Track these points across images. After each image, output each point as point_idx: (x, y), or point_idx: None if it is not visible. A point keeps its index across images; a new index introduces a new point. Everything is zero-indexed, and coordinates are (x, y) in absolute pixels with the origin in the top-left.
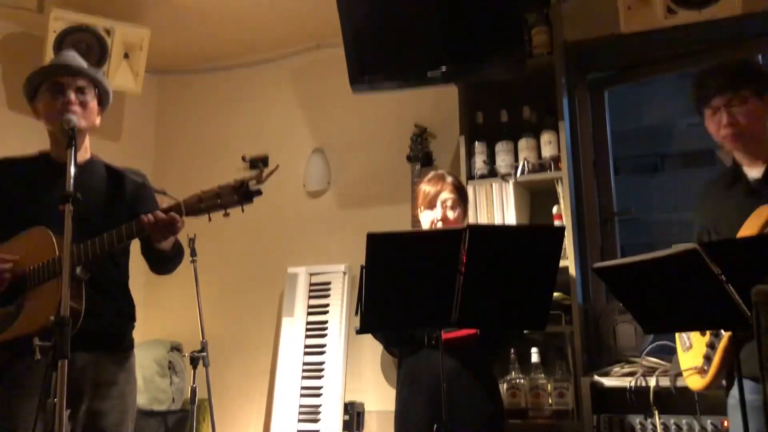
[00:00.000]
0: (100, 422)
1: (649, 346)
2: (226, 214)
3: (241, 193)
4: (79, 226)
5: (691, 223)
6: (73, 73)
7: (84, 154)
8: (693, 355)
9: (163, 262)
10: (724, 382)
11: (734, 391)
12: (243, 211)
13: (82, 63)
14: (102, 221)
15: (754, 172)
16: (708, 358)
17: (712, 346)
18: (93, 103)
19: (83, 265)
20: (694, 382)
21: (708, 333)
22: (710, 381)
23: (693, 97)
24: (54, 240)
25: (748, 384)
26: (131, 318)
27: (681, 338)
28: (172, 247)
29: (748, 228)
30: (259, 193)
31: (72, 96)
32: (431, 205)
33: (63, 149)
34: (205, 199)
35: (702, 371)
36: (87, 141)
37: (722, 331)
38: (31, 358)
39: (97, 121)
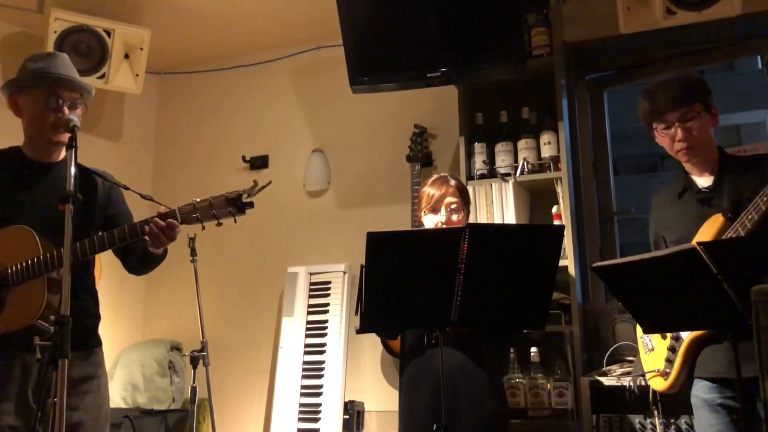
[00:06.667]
0: (76, 417)
1: (611, 348)
2: (219, 224)
3: (235, 205)
4: (51, 223)
5: (647, 230)
6: (71, 87)
7: (60, 153)
8: (655, 357)
9: (149, 263)
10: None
11: (695, 391)
12: (235, 221)
13: (75, 71)
14: (77, 221)
15: (703, 181)
16: (670, 361)
17: (673, 350)
18: (80, 115)
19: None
20: (657, 384)
21: (668, 336)
22: (672, 382)
23: (644, 112)
24: (38, 240)
25: (704, 384)
26: (98, 317)
27: (643, 340)
28: (163, 251)
29: (703, 235)
30: (251, 205)
31: (66, 113)
32: (435, 210)
33: (41, 150)
34: (199, 209)
35: (664, 374)
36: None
37: (682, 334)
38: (18, 357)
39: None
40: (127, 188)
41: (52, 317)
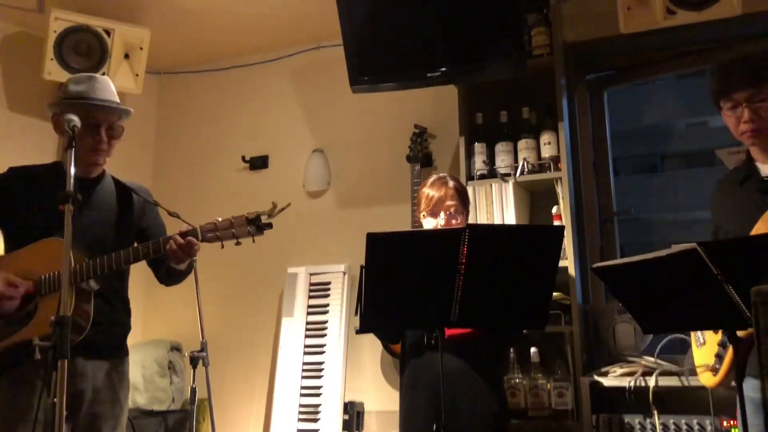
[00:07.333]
0: (98, 425)
1: (664, 341)
2: (238, 243)
3: (254, 225)
4: (91, 238)
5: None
6: (109, 111)
7: (98, 169)
8: (706, 352)
9: (174, 277)
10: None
11: (744, 389)
12: (254, 241)
13: (114, 94)
14: (113, 235)
15: (767, 169)
16: (720, 357)
17: (723, 345)
18: (119, 135)
19: (95, 277)
20: (707, 380)
21: (720, 331)
22: (721, 379)
23: (712, 89)
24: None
25: (754, 382)
26: (128, 327)
27: (695, 335)
28: (186, 266)
29: (762, 227)
30: (270, 226)
31: (104, 135)
32: (434, 213)
33: (80, 167)
34: (220, 228)
35: (713, 369)
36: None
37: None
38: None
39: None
40: (157, 204)
41: (82, 323)
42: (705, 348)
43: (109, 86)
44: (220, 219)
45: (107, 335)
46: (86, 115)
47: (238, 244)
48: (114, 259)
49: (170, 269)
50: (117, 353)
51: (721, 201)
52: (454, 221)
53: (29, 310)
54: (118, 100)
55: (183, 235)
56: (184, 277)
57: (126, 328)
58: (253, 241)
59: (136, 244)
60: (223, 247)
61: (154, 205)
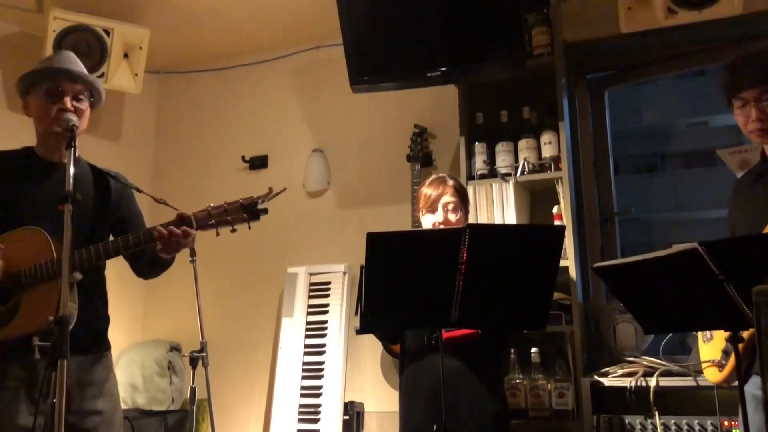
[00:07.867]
0: (91, 421)
1: (664, 341)
2: (234, 230)
3: (250, 211)
4: (62, 224)
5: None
6: (72, 78)
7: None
8: (712, 347)
9: (158, 267)
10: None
11: (747, 386)
12: (250, 228)
13: (80, 66)
14: (90, 221)
15: None
16: (726, 353)
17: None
18: (87, 110)
19: (81, 270)
20: (712, 375)
21: None
22: (727, 375)
23: (723, 86)
24: (50, 241)
25: (758, 380)
26: (107, 319)
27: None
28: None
29: None
30: (265, 211)
31: (68, 103)
32: (432, 209)
33: (51, 148)
34: (214, 215)
35: (720, 365)
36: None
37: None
38: (27, 358)
39: (86, 124)
40: (140, 190)
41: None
42: (712, 343)
43: (74, 59)
44: (212, 204)
45: (86, 328)
46: (49, 84)
47: (233, 231)
48: (102, 250)
49: (155, 259)
50: (98, 347)
51: (736, 200)
52: (452, 216)
53: (10, 306)
54: (79, 69)
55: (177, 224)
56: (167, 267)
57: (105, 320)
58: (249, 228)
59: (125, 235)
60: (218, 234)
61: (133, 191)
